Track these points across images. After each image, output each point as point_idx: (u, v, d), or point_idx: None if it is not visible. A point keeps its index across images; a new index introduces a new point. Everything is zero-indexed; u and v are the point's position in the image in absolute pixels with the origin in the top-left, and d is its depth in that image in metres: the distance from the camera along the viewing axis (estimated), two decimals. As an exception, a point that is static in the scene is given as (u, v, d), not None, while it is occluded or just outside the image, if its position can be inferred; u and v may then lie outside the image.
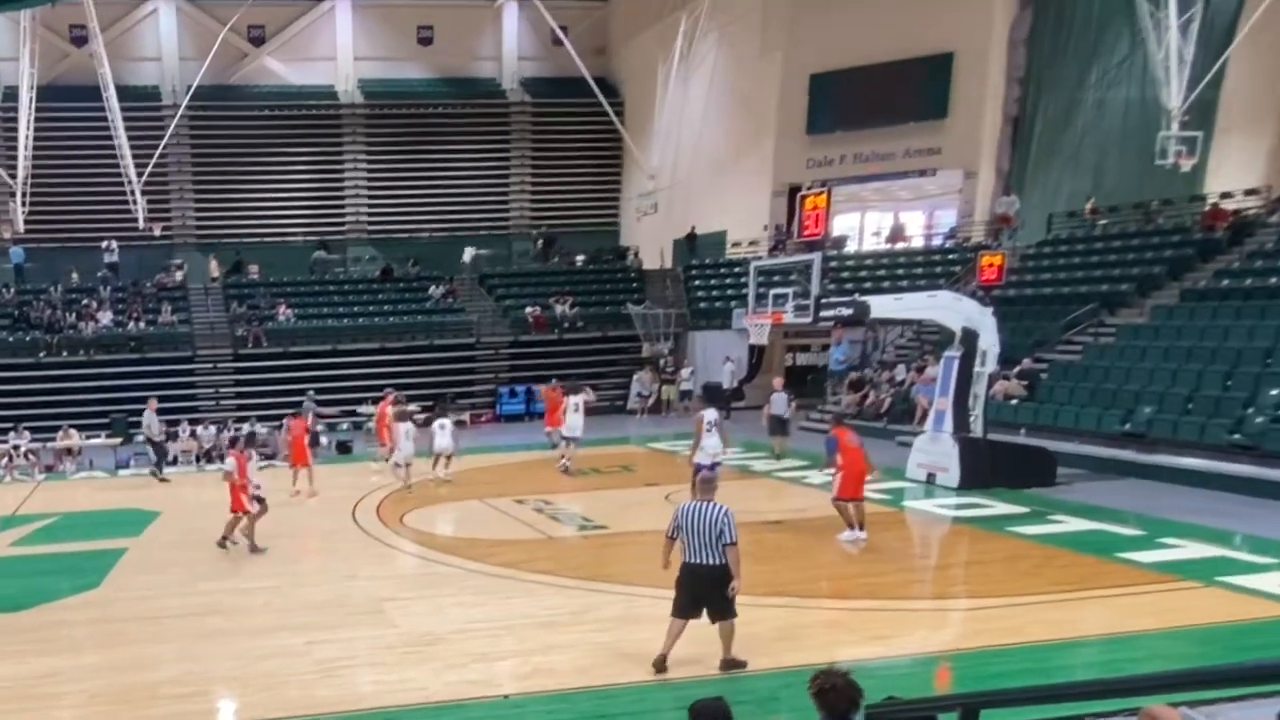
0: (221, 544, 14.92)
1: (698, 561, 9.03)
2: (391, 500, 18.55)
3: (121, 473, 24.30)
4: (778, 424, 21.58)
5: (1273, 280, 21.06)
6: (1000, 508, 15.88)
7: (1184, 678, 3.01)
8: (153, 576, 13.76)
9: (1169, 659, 9.28)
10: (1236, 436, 17.14)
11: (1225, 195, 26.17)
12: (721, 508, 9.07)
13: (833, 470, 14.33)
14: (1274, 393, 17.35)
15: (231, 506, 14.89)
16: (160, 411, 23.34)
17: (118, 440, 26.29)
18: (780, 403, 21.62)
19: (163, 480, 22.41)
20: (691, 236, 36.73)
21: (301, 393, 26.38)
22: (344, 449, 25.86)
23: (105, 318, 32.06)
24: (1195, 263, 24.23)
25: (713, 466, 15.27)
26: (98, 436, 26.36)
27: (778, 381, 22.75)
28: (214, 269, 35.94)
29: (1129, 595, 11.19)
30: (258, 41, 40.65)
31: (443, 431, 20.05)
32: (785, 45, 32.80)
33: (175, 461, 24.58)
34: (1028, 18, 29.71)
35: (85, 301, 32.96)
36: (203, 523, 16.26)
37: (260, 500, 15.07)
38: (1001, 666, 9.10)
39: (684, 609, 9.18)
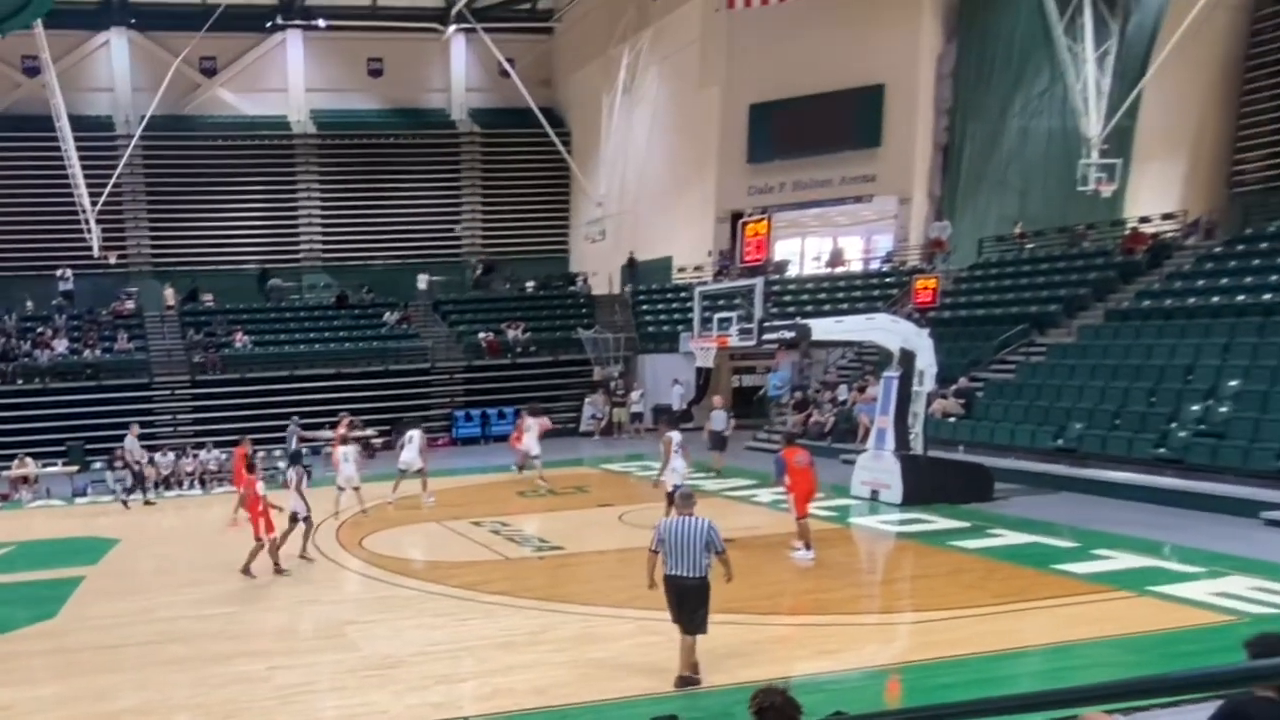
0: (277, 569, 14.52)
1: (679, 574, 9.08)
2: (350, 524, 18.26)
3: (79, 501, 23.73)
4: (717, 440, 21.90)
5: (1191, 301, 21.50)
6: (942, 523, 15.99)
7: (1123, 688, 3.04)
8: (111, 605, 13.40)
9: (1107, 667, 9.38)
10: (1162, 451, 17.42)
11: (1144, 219, 26.74)
12: (704, 521, 9.17)
13: (782, 489, 14.38)
14: (1195, 409, 17.68)
15: (254, 533, 14.53)
16: (117, 438, 22.88)
17: (75, 468, 25.66)
18: (719, 419, 21.89)
19: (127, 507, 21.89)
20: (632, 263, 36.77)
21: (257, 418, 25.97)
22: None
23: (61, 346, 31.34)
24: (1118, 284, 24.67)
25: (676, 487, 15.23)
26: (55, 465, 25.70)
27: (717, 400, 23.02)
28: (169, 297, 35.30)
29: (1067, 605, 11.29)
30: (210, 73, 40.14)
31: (410, 445, 19.88)
32: (724, 78, 33.01)
33: (133, 489, 24.00)
34: (953, 51, 30.19)
35: (40, 330, 32.21)
36: (162, 549, 15.93)
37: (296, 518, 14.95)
38: (949, 678, 9.13)
39: (675, 618, 9.26)
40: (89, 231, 33.35)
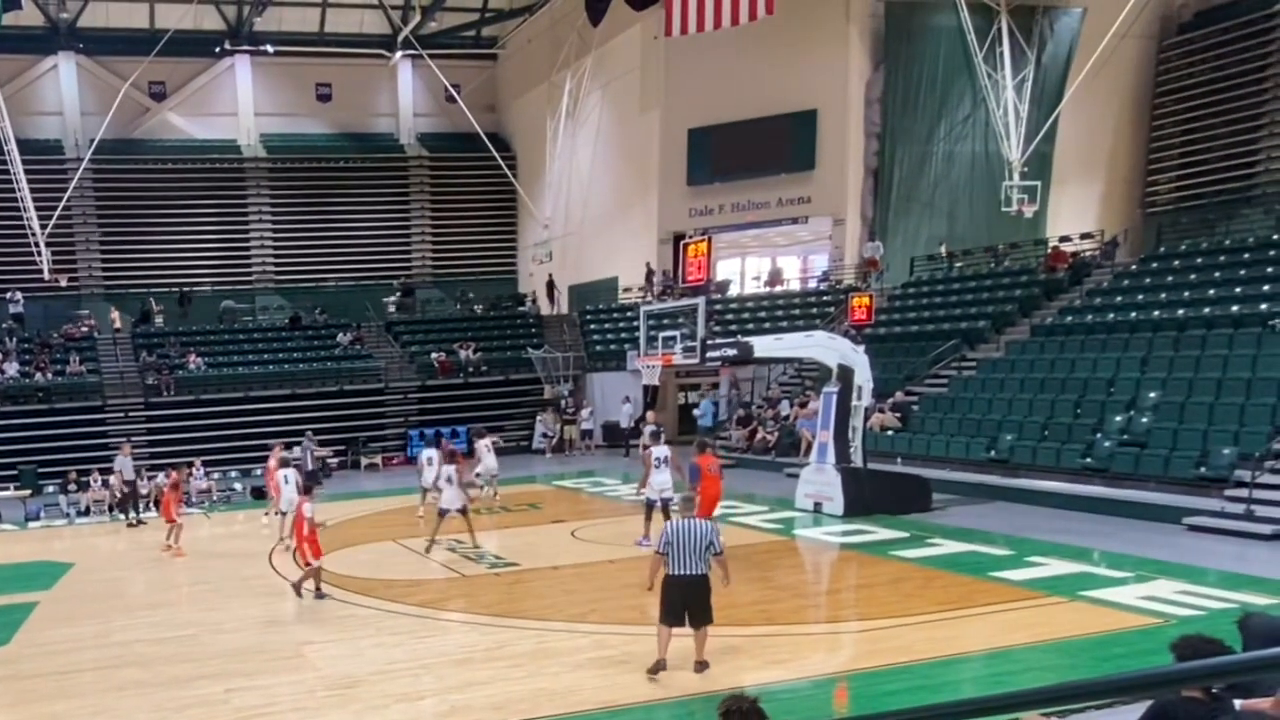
0: (319, 594, 13.85)
1: (683, 573, 9.43)
2: (279, 550, 17.82)
3: (31, 525, 22.98)
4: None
5: (1110, 316, 21.94)
6: (883, 533, 16.10)
7: (1060, 692, 3.12)
8: (66, 630, 12.95)
9: (1043, 670, 9.49)
10: (1088, 460, 17.72)
11: (1064, 239, 27.27)
12: (707, 523, 9.68)
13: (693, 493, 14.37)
14: (1118, 419, 18.03)
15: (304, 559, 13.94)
16: (70, 461, 22.30)
17: (27, 492, 24.90)
18: (648, 434, 21.81)
19: (138, 523, 21.35)
20: (550, 285, 36.88)
21: (211, 440, 25.46)
22: (259, 494, 24.99)
23: (11, 369, 30.42)
24: (1042, 301, 25.12)
25: (665, 502, 15.27)
26: (6, 489, 24.92)
27: (650, 415, 23.04)
28: (115, 319, 34.54)
29: (1003, 611, 11.41)
30: (159, 97, 39.50)
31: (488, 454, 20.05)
32: (663, 103, 33.14)
33: (87, 512, 23.44)
34: (880, 78, 30.60)
35: (-10, 353, 31.32)
36: (116, 573, 15.51)
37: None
38: (894, 685, 9.18)
39: (674, 617, 9.56)
40: (39, 254, 32.53)
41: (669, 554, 9.46)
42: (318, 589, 13.81)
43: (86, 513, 23.41)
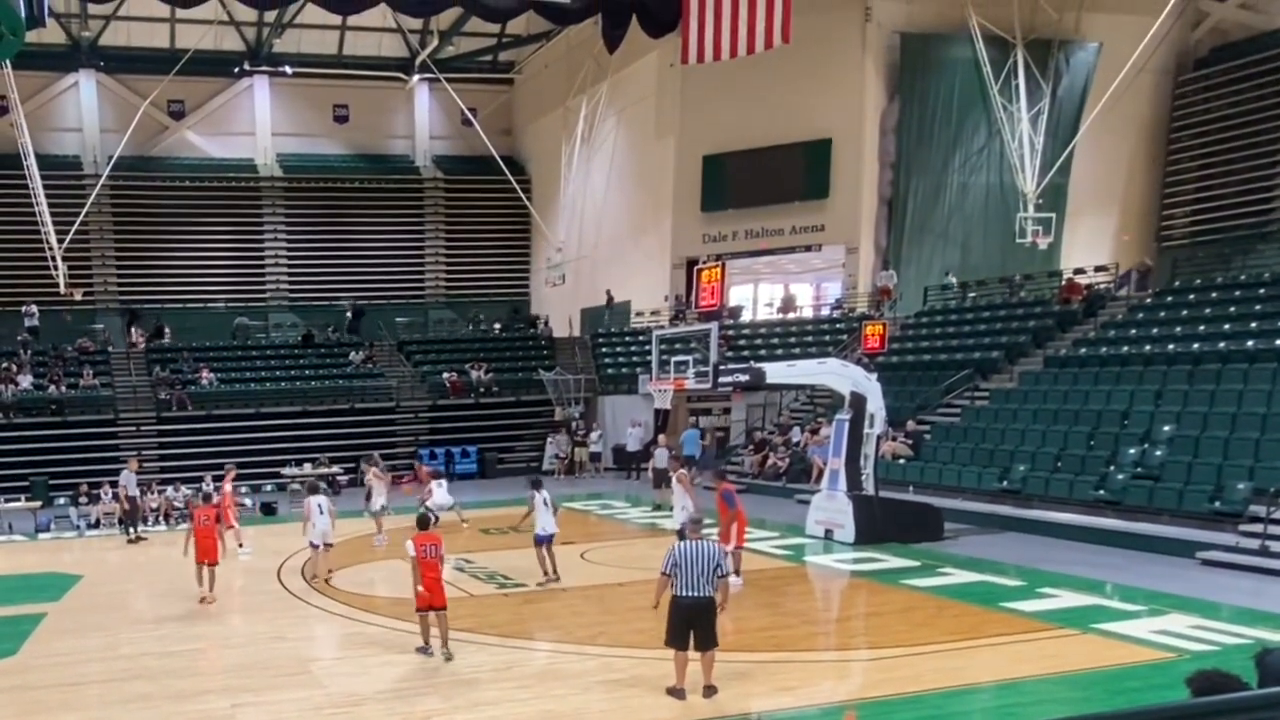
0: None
1: (690, 594, 9.38)
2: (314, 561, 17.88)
3: (42, 536, 23.00)
4: (661, 476, 21.89)
5: (1125, 349, 21.90)
6: (894, 561, 16.04)
7: None
8: (73, 641, 12.96)
9: (1055, 703, 9.44)
10: (1101, 493, 17.61)
11: (1078, 271, 27.24)
12: (714, 544, 9.70)
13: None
14: (1132, 452, 17.94)
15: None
16: (81, 474, 22.35)
17: (38, 504, 24.94)
18: (662, 457, 21.83)
19: (138, 539, 21.18)
20: (610, 302, 36.60)
21: (222, 455, 25.46)
22: (269, 510, 25.04)
23: (25, 381, 30.55)
24: (1055, 332, 25.09)
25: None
26: (17, 500, 24.98)
27: (662, 439, 23.01)
28: (131, 334, 34.71)
29: (1015, 643, 11.35)
30: (178, 116, 39.82)
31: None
32: (678, 129, 33.26)
33: (97, 524, 23.47)
34: (895, 109, 30.72)
35: (5, 365, 31.39)
36: (125, 585, 15.53)
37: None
38: (904, 715, 9.15)
39: (681, 639, 9.50)
40: (55, 268, 32.72)
41: (676, 575, 9.41)
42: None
43: (96, 525, 23.44)
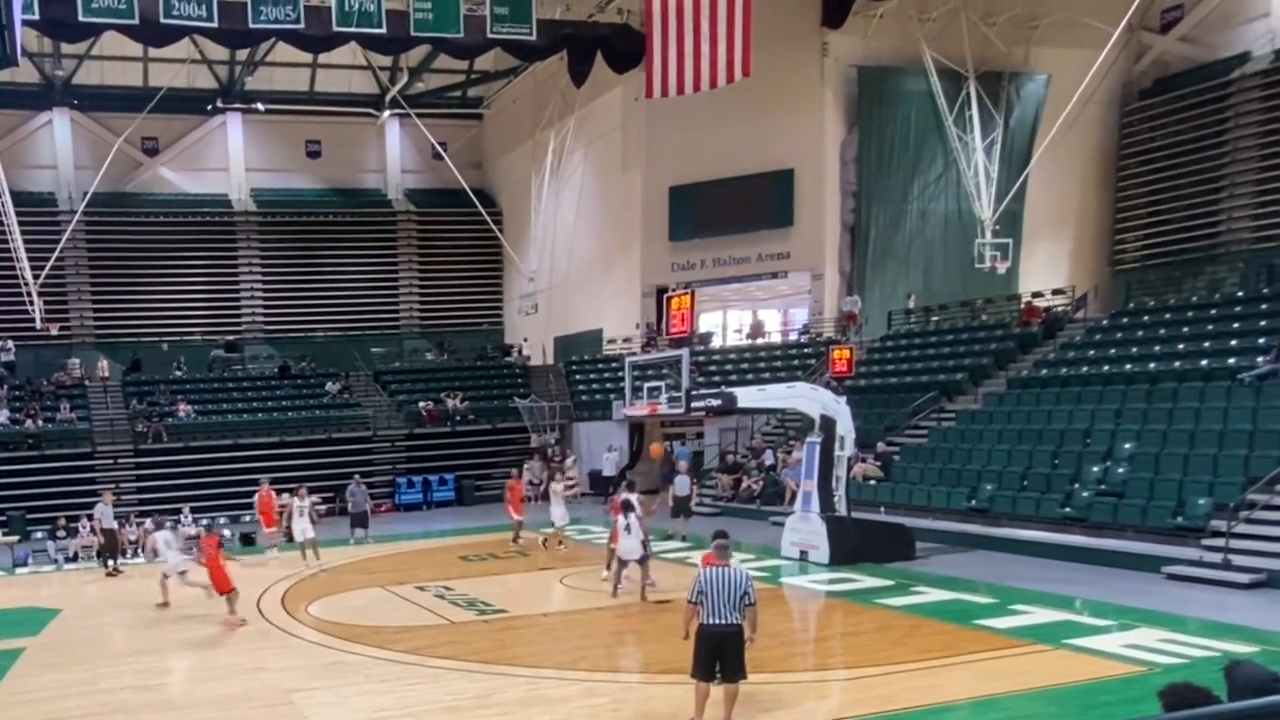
0: None
1: (718, 622, 8.90)
2: (295, 590, 17.62)
3: (20, 571, 22.50)
4: (681, 505, 20.97)
5: (1084, 369, 22.07)
6: (868, 581, 15.97)
7: None
8: (52, 676, 12.60)
9: (1030, 719, 9.42)
10: (1067, 510, 17.65)
11: (1036, 294, 27.49)
12: (743, 571, 9.10)
13: None
14: (1095, 470, 18.03)
15: None
16: (59, 507, 21.95)
17: (15, 538, 24.41)
18: (684, 485, 21.18)
19: (116, 572, 20.76)
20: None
21: (200, 487, 25.13)
22: (248, 541, 24.65)
23: (2, 416, 30.00)
24: (1017, 354, 25.25)
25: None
26: (-5, 534, 24.49)
27: (683, 465, 22.39)
28: (104, 368, 34.23)
29: (988, 660, 11.31)
30: (152, 152, 39.54)
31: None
32: (644, 161, 33.31)
33: (75, 558, 23.00)
34: (855, 139, 30.92)
35: (-19, 400, 30.89)
36: (104, 619, 15.19)
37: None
38: (883, 734, 9.09)
39: (705, 670, 9.04)
40: (31, 304, 32.24)
41: (703, 603, 8.96)
42: None
43: (75, 559, 23.00)
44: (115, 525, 21.58)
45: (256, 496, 22.96)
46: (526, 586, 17.28)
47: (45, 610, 17.09)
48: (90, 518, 22.83)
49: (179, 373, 34.46)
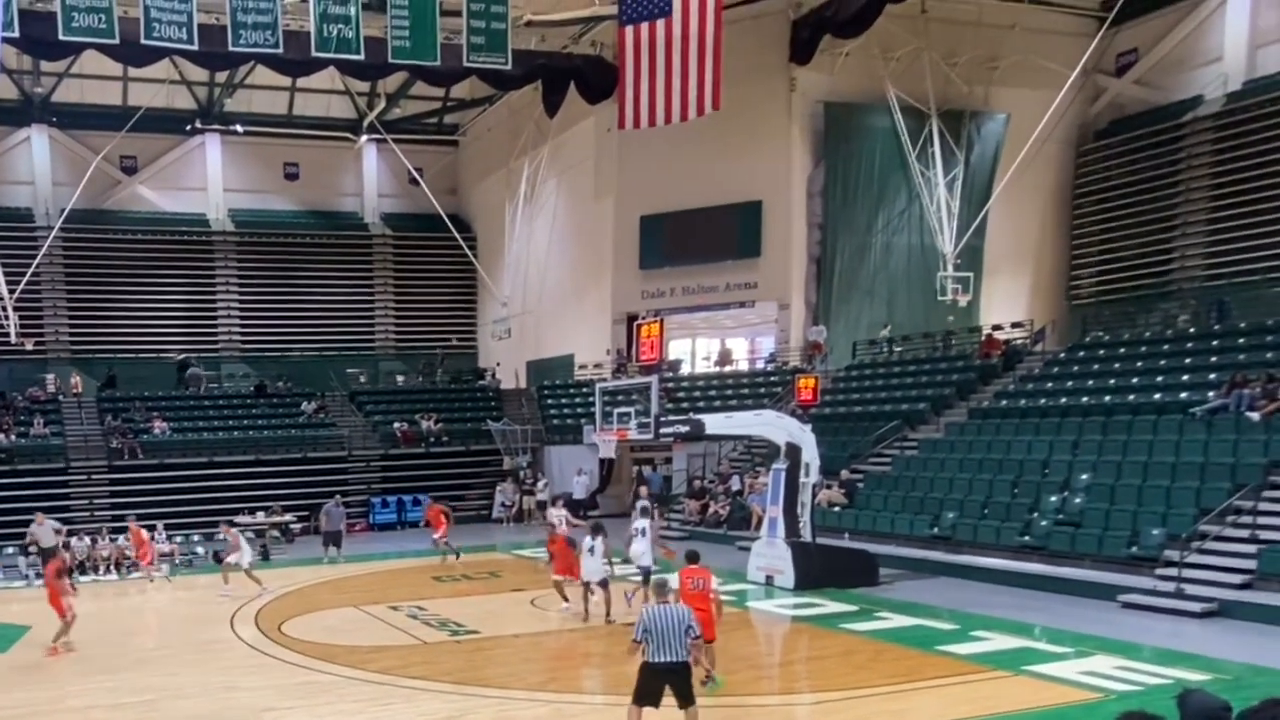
0: None
1: (667, 660, 8.94)
2: (269, 609, 17.42)
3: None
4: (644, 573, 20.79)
5: (1042, 401, 22.34)
6: (832, 606, 16.03)
7: None
8: (21, 694, 12.39)
9: (993, 744, 9.54)
10: (1026, 538, 17.82)
11: (996, 327, 27.77)
12: (684, 608, 9.32)
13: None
14: (1053, 499, 18.24)
15: None
16: (31, 523, 21.63)
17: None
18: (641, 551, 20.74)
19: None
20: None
21: (174, 504, 24.78)
22: (220, 559, 24.29)
23: (-26, 431, 29.53)
24: (977, 385, 25.47)
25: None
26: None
27: (642, 524, 21.97)
28: (77, 384, 33.80)
29: (951, 685, 11.40)
30: (130, 171, 39.14)
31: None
32: (616, 191, 33.39)
33: (45, 574, 22.56)
34: (821, 173, 31.13)
35: (-47, 416, 30.30)
36: (75, 636, 14.93)
37: None
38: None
39: (645, 700, 9.07)
40: (6, 318, 31.73)
41: (648, 641, 8.98)
42: None
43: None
44: (56, 544, 21.28)
45: (129, 533, 22.48)
46: (499, 607, 17.19)
47: (15, 626, 16.80)
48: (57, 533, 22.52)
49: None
